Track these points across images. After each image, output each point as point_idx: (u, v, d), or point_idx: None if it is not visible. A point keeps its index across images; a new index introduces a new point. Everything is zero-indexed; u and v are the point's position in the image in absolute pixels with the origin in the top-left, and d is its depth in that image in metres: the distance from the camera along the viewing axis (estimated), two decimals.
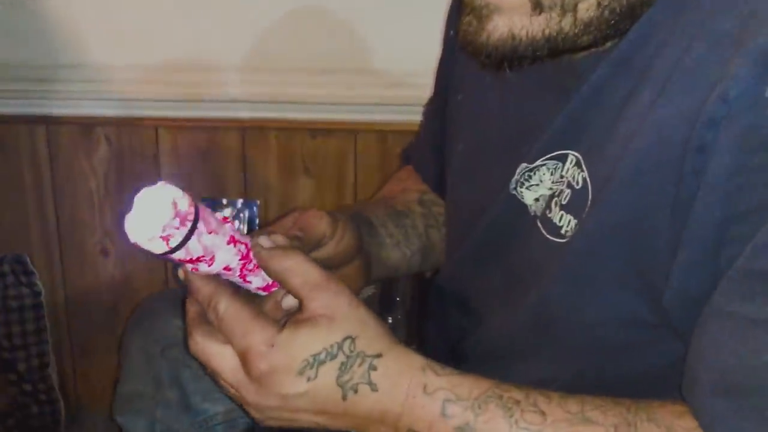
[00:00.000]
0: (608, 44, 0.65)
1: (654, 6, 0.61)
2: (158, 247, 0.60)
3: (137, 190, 0.60)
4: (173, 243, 0.59)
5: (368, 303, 1.10)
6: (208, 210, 0.62)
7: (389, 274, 0.93)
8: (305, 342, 0.61)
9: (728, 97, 0.52)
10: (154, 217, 0.58)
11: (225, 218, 0.64)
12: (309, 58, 1.40)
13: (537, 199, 0.71)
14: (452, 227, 0.90)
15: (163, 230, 0.58)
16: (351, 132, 1.45)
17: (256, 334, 0.61)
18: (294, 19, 1.39)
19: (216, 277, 0.65)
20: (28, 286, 1.51)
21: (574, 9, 0.61)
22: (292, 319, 0.62)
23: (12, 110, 1.47)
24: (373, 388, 0.61)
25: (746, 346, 0.52)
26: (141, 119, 1.46)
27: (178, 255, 0.61)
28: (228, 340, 0.63)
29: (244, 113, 1.45)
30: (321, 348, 0.61)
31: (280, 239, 0.70)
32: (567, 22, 0.61)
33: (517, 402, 0.59)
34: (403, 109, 1.31)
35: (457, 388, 0.61)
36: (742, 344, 0.52)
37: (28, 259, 1.51)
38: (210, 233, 0.61)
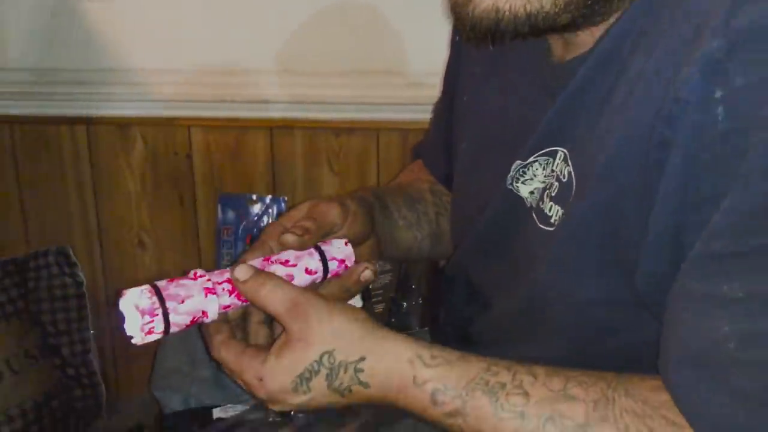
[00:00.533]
0: (589, 39, 0.69)
1: (631, 6, 0.66)
2: (154, 338, 0.68)
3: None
4: (158, 330, 0.67)
5: (386, 290, 1.17)
6: (174, 282, 0.68)
7: (401, 255, 0.97)
8: (287, 366, 0.67)
9: (681, 98, 0.56)
10: (132, 324, 0.67)
11: (195, 273, 0.70)
12: (333, 61, 1.43)
13: (532, 192, 0.75)
14: (458, 220, 0.94)
15: (143, 330, 0.66)
16: (373, 131, 1.48)
17: (246, 371, 0.68)
18: (318, 25, 1.42)
19: (209, 324, 0.71)
20: (71, 276, 1.54)
21: None
22: (276, 345, 0.68)
23: (55, 111, 1.52)
24: (365, 386, 0.67)
25: (705, 321, 0.56)
26: (175, 119, 1.50)
27: (174, 330, 0.68)
28: None
29: (272, 113, 1.48)
30: (303, 369, 0.66)
31: (272, 243, 0.75)
32: (547, 1, 0.64)
33: (503, 385, 0.63)
34: (423, 108, 1.29)
35: (446, 378, 0.65)
36: (702, 320, 0.56)
37: (71, 251, 1.55)
38: (183, 302, 0.68)
